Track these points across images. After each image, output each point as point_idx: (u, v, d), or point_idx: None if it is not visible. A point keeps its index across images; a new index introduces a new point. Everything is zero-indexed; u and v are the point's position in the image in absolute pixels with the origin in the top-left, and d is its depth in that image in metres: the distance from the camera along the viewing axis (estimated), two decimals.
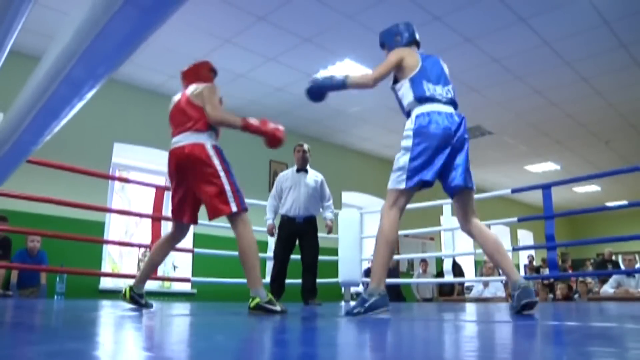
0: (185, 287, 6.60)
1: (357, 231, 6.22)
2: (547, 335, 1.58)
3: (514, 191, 5.90)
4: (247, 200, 2.51)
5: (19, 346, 1.12)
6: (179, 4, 0.50)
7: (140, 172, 7.08)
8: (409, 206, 2.54)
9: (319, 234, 4.94)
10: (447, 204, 5.88)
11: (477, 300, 7.31)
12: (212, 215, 2.65)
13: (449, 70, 2.76)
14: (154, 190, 5.00)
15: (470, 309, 3.74)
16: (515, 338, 1.54)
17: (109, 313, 2.50)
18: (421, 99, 2.54)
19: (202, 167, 2.64)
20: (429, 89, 2.57)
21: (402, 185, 2.46)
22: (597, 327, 1.79)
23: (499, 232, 13.19)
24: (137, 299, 2.84)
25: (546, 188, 5.11)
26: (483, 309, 3.58)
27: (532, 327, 1.84)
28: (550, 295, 8.14)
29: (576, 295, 8.02)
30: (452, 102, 2.60)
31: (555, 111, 7.68)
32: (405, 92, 2.60)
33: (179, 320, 2.25)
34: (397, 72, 2.67)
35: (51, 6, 4.69)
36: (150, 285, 6.55)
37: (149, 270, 2.95)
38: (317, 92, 2.71)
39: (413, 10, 4.97)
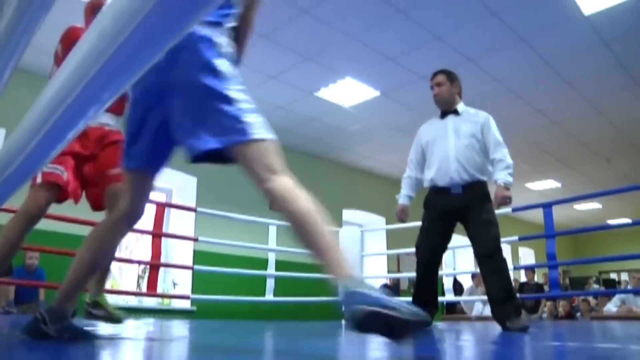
0: (185, 304, 6.55)
1: (357, 249, 6.20)
2: (548, 358, 1.56)
3: (514, 210, 5.89)
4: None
5: None
6: (182, 28, 0.51)
7: None
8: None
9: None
10: None
11: (478, 319, 7.24)
12: None
13: None
14: (154, 207, 4.99)
15: (467, 328, 3.70)
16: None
17: (107, 329, 2.48)
18: None
19: None
20: None
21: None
22: (600, 349, 1.77)
23: None
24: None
25: (547, 207, 5.11)
26: (482, 329, 3.54)
27: (532, 348, 1.81)
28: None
29: (578, 314, 7.96)
30: None
31: (556, 130, 7.70)
32: None
33: (177, 340, 2.23)
34: None
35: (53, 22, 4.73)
36: (150, 302, 6.50)
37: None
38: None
39: (414, 30, 5.01)
